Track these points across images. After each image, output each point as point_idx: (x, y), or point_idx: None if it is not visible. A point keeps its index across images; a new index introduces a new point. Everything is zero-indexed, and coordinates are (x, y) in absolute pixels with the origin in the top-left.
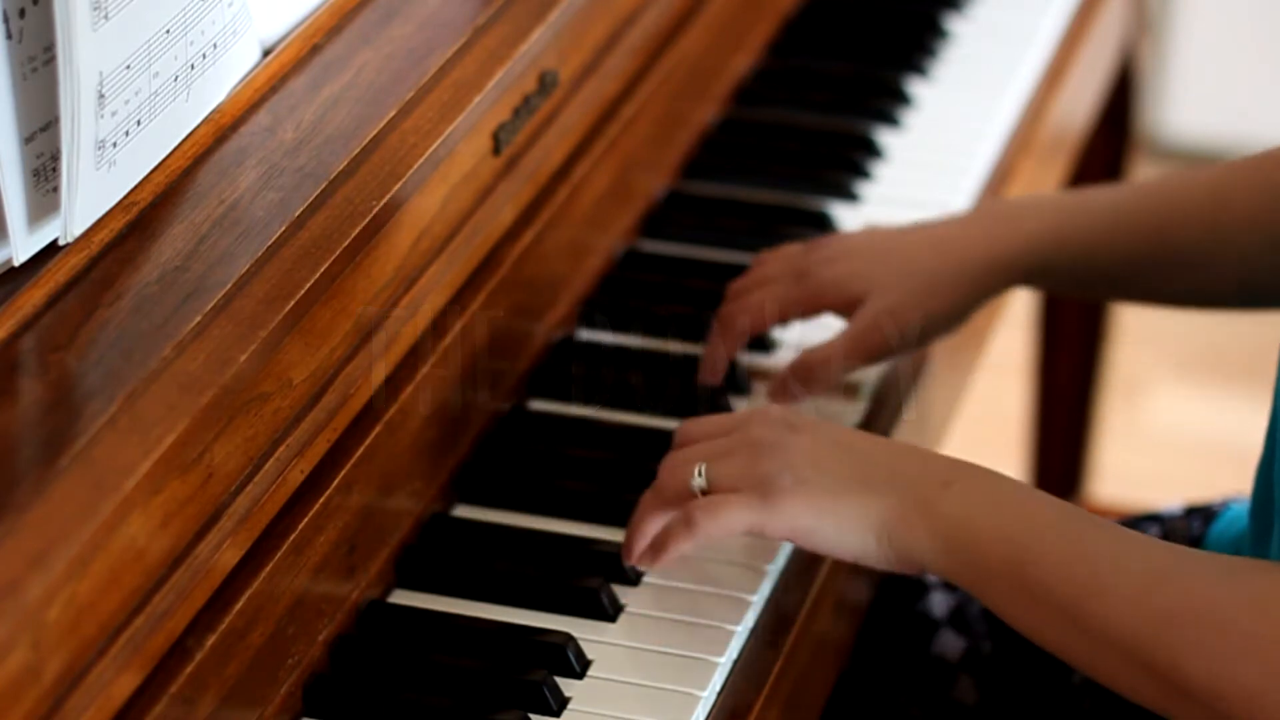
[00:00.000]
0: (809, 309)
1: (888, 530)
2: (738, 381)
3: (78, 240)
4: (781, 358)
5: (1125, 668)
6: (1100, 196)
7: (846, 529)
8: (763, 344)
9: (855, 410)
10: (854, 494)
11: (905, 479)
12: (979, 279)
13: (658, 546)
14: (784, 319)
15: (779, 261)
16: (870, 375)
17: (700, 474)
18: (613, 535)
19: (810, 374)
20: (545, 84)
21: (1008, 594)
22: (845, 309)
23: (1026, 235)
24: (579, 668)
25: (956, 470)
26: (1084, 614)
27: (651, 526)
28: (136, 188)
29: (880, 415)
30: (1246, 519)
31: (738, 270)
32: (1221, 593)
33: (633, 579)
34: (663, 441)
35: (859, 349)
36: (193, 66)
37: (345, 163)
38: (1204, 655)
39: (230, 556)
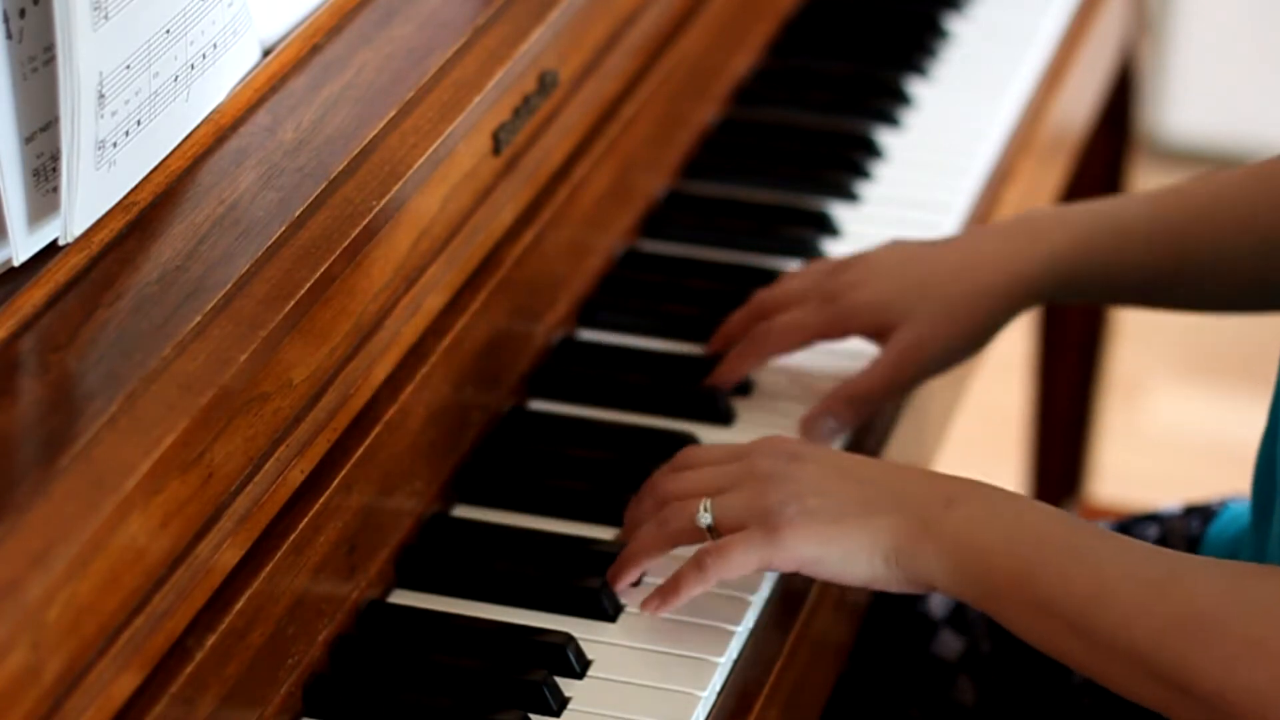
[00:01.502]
0: (838, 333)
1: (895, 552)
2: (741, 383)
3: (78, 240)
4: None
5: (1134, 675)
6: (1128, 205)
7: (853, 555)
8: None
9: None
10: (859, 519)
11: (909, 500)
12: (999, 302)
13: (669, 591)
14: (813, 342)
15: (807, 279)
16: None
17: (706, 509)
18: (613, 535)
19: (849, 408)
20: (545, 84)
21: (1016, 608)
22: (874, 334)
23: (1048, 252)
24: (579, 668)
25: (959, 488)
26: (1091, 623)
27: (649, 560)
28: (136, 188)
29: (878, 415)
30: (1244, 519)
31: (738, 270)
32: (1225, 598)
33: (634, 580)
34: (662, 442)
35: (894, 381)
36: (193, 66)
37: (345, 163)
38: (1210, 660)
39: (230, 556)
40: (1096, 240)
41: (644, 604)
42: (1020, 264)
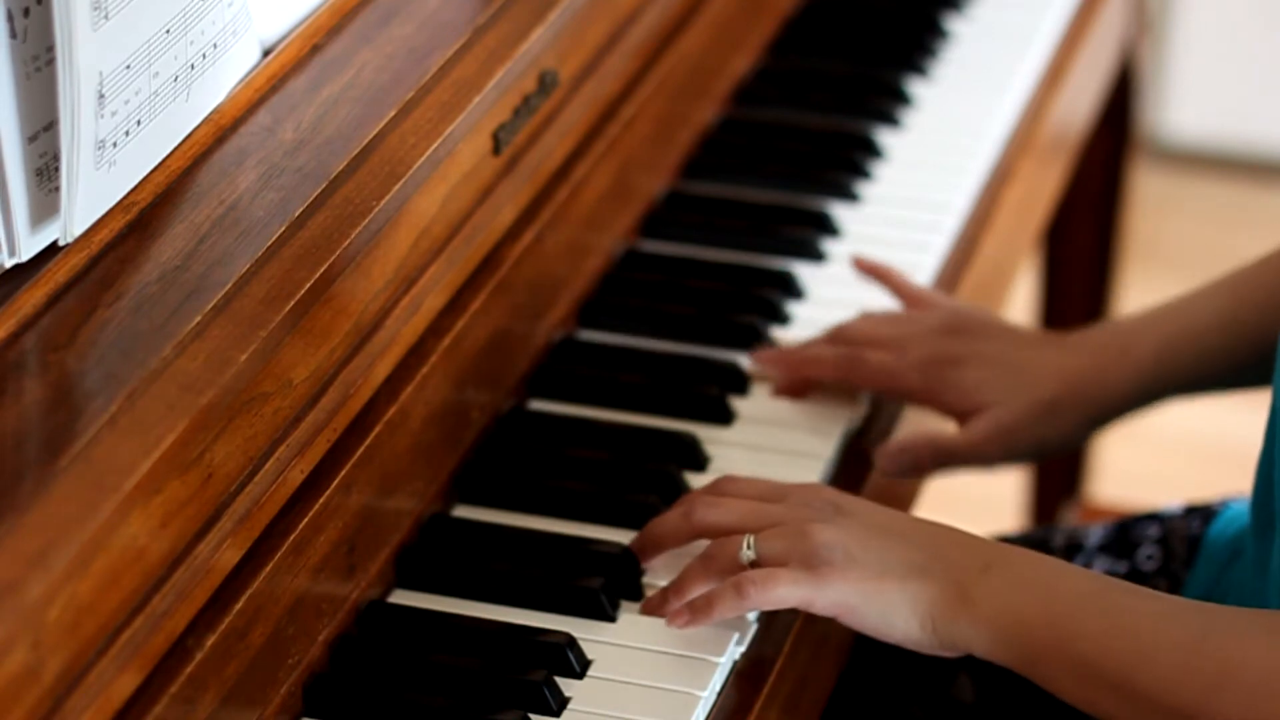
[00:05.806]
0: (924, 399)
1: (932, 618)
2: (740, 382)
3: (78, 240)
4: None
5: None
6: (1205, 308)
7: (890, 616)
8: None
9: (856, 411)
10: (898, 581)
11: (947, 565)
12: (1092, 412)
13: (701, 608)
14: (898, 395)
15: (911, 334)
16: None
17: (749, 546)
18: (613, 535)
19: (931, 456)
20: (545, 84)
21: (1057, 673)
22: (961, 412)
23: (1135, 372)
24: (579, 668)
25: (995, 553)
26: (1134, 686)
27: (694, 592)
28: (136, 188)
29: (880, 414)
30: (1245, 518)
31: (738, 270)
32: (1263, 651)
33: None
34: (662, 442)
35: (980, 452)
36: (193, 66)
37: (345, 163)
38: (1254, 715)
39: (230, 556)
40: (1178, 342)
41: (672, 617)
42: (1111, 382)
